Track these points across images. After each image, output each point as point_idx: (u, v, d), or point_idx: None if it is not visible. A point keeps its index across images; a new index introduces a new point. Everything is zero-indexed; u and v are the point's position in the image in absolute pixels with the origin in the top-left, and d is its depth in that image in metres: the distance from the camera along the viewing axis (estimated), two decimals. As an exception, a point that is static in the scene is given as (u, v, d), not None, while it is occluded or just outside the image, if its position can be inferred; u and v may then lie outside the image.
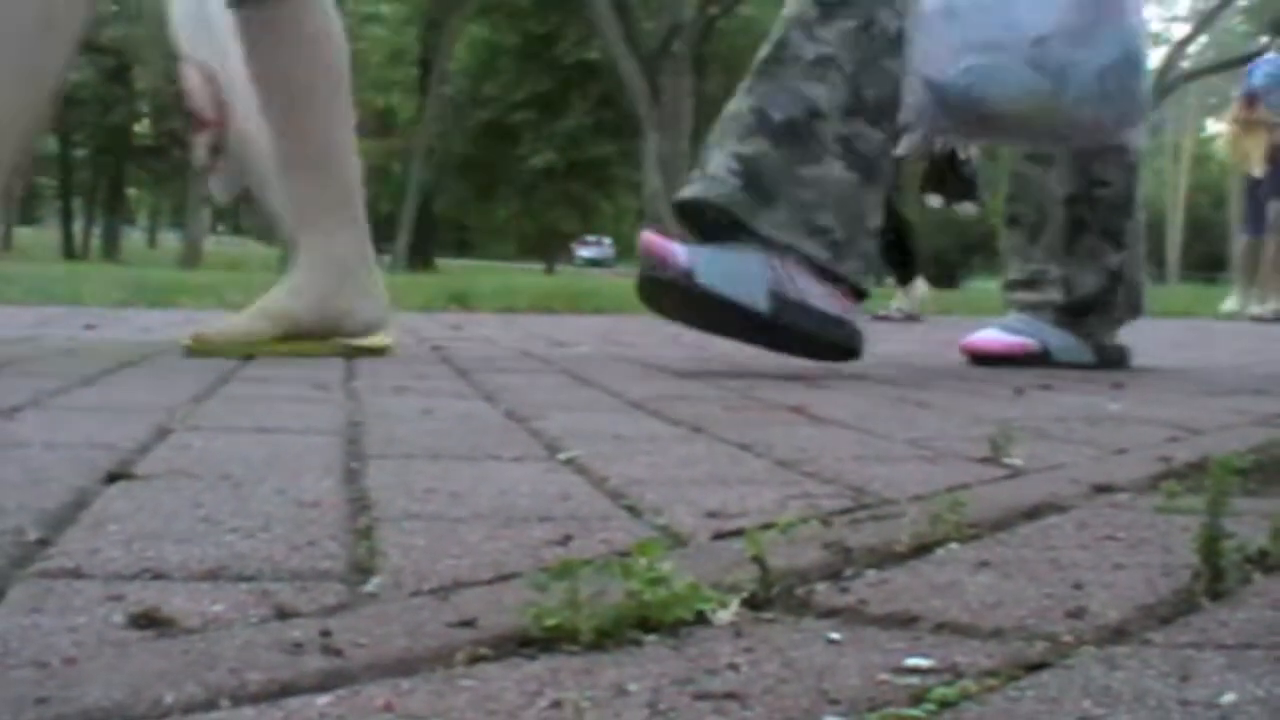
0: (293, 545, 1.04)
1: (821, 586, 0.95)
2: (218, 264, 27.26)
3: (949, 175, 4.98)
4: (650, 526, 1.18)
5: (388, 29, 47.26)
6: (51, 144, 46.50)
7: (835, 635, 0.82)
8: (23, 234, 53.76)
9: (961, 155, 5.08)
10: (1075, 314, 3.57)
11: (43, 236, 55.56)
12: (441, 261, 43.30)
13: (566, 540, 1.10)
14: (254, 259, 33.64)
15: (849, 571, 1.00)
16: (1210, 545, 0.96)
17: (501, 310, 6.39)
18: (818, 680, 0.73)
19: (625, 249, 58.67)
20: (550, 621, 0.79)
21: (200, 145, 3.52)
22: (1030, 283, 3.65)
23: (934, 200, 5.32)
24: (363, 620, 0.82)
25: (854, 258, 2.96)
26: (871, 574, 0.99)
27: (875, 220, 3.02)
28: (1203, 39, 44.58)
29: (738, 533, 1.10)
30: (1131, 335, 3.67)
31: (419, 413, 1.99)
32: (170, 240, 56.56)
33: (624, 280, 15.68)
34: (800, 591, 0.93)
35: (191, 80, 3.38)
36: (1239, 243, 11.04)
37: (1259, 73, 10.75)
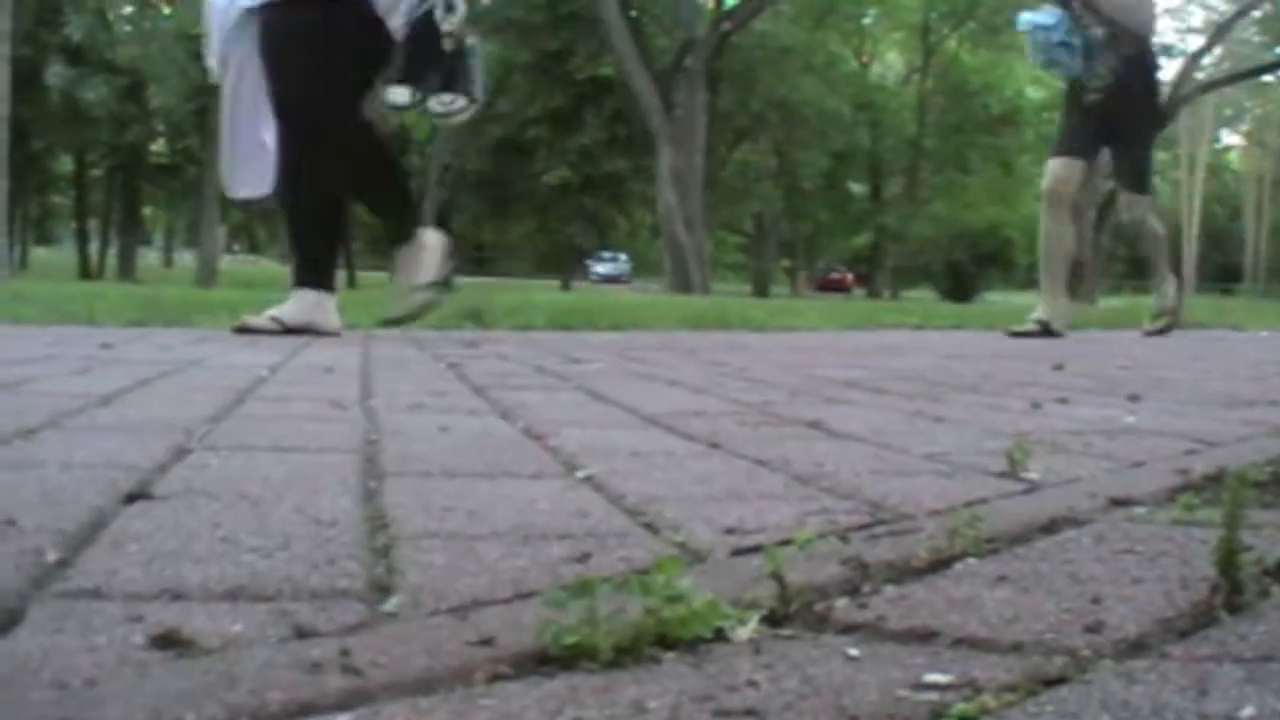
0: (311, 564, 1.04)
1: (840, 602, 0.95)
2: (233, 282, 27.31)
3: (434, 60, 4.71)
4: (668, 543, 1.18)
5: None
6: (67, 163, 46.69)
7: (854, 651, 0.82)
8: (38, 254, 53.95)
9: (449, 30, 4.80)
10: None
11: (58, 256, 55.77)
12: (457, 278, 43.36)
13: (585, 558, 1.10)
14: (269, 277, 33.70)
15: (867, 587, 1.00)
16: (1228, 558, 0.96)
17: (518, 327, 6.39)
18: (837, 697, 0.73)
19: (640, 264, 58.75)
20: (569, 639, 0.79)
21: None
22: None
23: (401, 95, 5.04)
24: (382, 639, 0.82)
25: None
26: (890, 589, 0.99)
27: None
28: (1217, 50, 44.53)
29: (756, 549, 1.10)
30: (1147, 345, 3.66)
31: (436, 430, 1.99)
32: (186, 259, 56.74)
33: (640, 296, 15.67)
34: (819, 607, 0.93)
35: None
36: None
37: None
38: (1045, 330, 6.79)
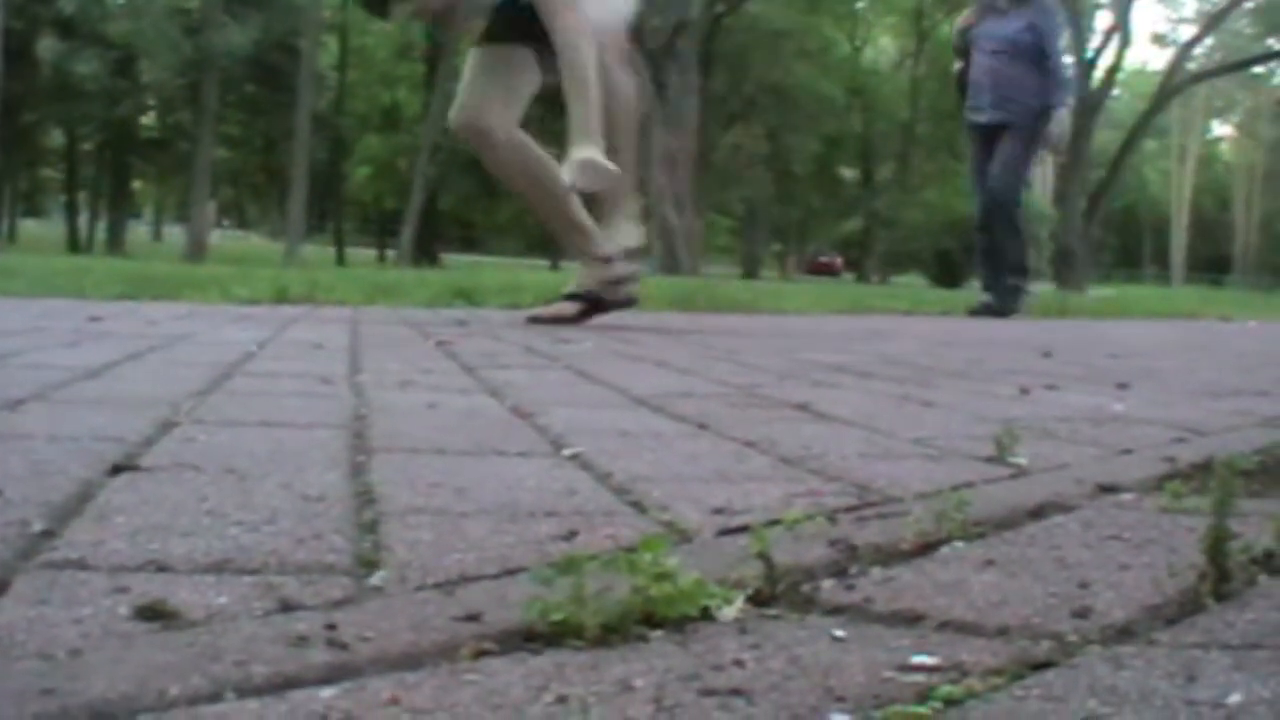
0: (298, 539, 1.04)
1: (827, 584, 0.95)
2: (222, 258, 27.28)
3: None
4: (655, 522, 1.17)
5: (394, 25, 47.31)
6: (57, 137, 46.59)
7: (841, 632, 0.82)
8: (27, 227, 53.85)
9: None
10: None
11: (47, 229, 55.63)
12: (447, 257, 43.34)
13: (572, 536, 1.10)
14: (258, 253, 33.67)
15: (854, 569, 1.00)
16: (1216, 546, 0.96)
17: (506, 306, 6.38)
18: (823, 677, 0.73)
19: (630, 246, 58.67)
20: (556, 616, 0.79)
21: None
22: None
23: None
24: (368, 614, 0.82)
25: None
26: (877, 571, 0.99)
27: None
28: (1209, 41, 44.56)
29: (743, 529, 1.10)
30: (1136, 335, 3.66)
31: (424, 407, 1.99)
32: (175, 234, 56.65)
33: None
34: (806, 588, 0.93)
35: None
36: None
37: None
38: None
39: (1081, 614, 0.88)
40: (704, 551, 1.05)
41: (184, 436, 1.59)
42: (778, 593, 0.91)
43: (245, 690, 0.68)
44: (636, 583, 0.83)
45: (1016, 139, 8.30)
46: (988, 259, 8.53)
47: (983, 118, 8.45)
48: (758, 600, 0.89)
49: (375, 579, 0.93)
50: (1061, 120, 8.30)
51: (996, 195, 8.33)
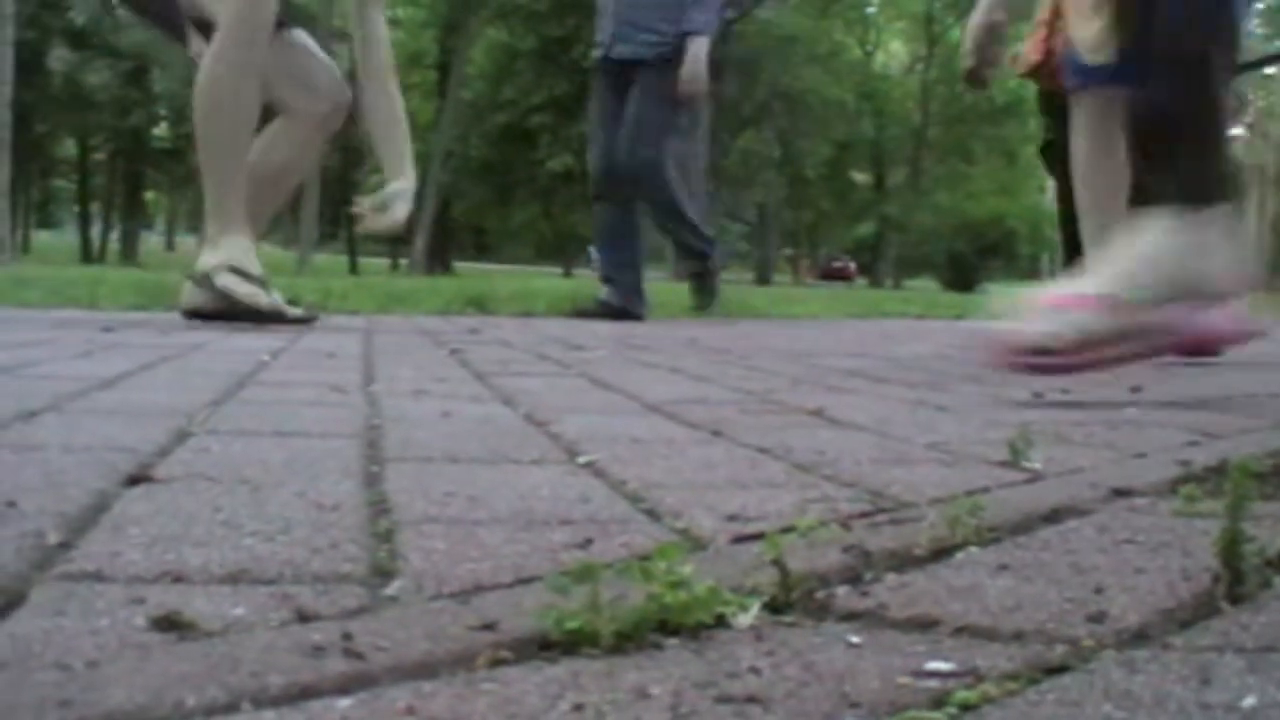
0: (313, 548, 1.04)
1: (841, 590, 0.95)
2: (235, 267, 27.31)
3: None
4: (670, 530, 1.18)
5: (405, 33, 47.44)
6: (70, 147, 46.70)
7: (855, 639, 0.82)
8: (40, 237, 53.97)
9: None
10: None
11: (60, 240, 55.76)
12: (459, 264, 43.42)
13: (587, 543, 1.10)
14: (271, 262, 33.75)
15: (869, 575, 1.00)
16: (1230, 549, 0.96)
17: (519, 314, 6.39)
18: (838, 684, 0.73)
19: (642, 252, 58.73)
20: (571, 624, 0.79)
21: None
22: None
23: None
24: (384, 623, 0.82)
25: None
26: (891, 577, 0.99)
27: None
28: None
29: (757, 536, 1.10)
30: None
31: (437, 416, 1.99)
32: (188, 244, 56.74)
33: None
34: (820, 595, 0.93)
35: None
36: None
37: None
38: None
39: (1096, 618, 0.88)
40: (719, 559, 1.05)
41: (198, 447, 1.60)
42: (792, 599, 0.91)
43: (262, 701, 0.68)
44: (651, 590, 0.83)
45: (650, 84, 6.52)
46: (606, 239, 6.75)
47: (600, 52, 6.67)
48: (773, 607, 0.89)
49: (391, 588, 0.93)
50: (698, 54, 6.47)
51: (627, 167, 6.55)
